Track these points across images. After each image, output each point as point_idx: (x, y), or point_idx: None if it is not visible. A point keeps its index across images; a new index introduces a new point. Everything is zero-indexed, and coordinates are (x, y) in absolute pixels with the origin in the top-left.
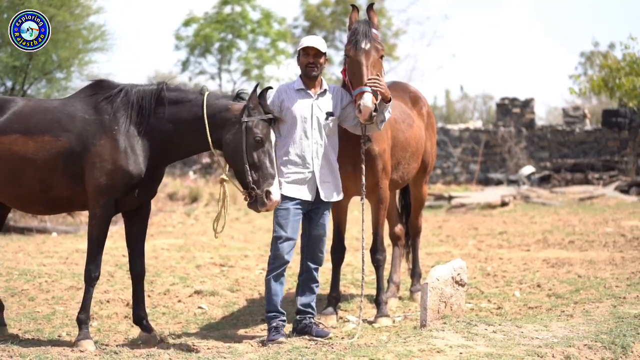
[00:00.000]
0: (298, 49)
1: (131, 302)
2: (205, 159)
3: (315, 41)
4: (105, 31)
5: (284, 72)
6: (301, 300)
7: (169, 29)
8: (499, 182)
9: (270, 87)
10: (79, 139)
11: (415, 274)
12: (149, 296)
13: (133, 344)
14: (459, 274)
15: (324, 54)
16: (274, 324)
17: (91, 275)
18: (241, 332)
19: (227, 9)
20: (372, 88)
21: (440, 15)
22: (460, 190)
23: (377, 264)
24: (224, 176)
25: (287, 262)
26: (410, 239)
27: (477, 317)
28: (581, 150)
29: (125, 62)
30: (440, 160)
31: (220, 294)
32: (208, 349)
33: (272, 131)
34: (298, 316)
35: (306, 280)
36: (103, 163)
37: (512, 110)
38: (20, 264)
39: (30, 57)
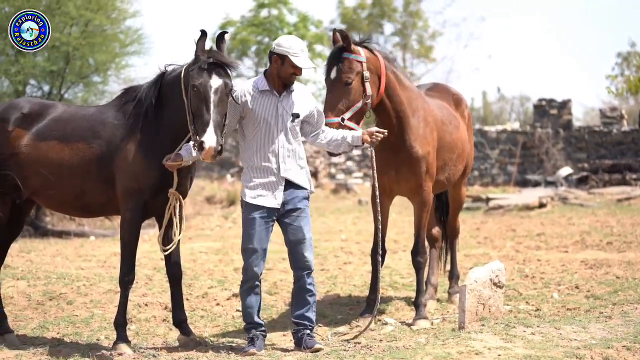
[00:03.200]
0: (286, 55)
1: (169, 305)
2: None
3: (310, 61)
4: (141, 35)
5: (321, 74)
6: (295, 312)
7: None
8: (536, 184)
9: (226, 32)
10: (109, 144)
11: (453, 275)
12: (187, 299)
13: (171, 347)
14: (497, 276)
15: None
16: (251, 335)
17: (125, 279)
18: (279, 335)
19: (264, 12)
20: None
21: (476, 16)
22: (498, 192)
23: (418, 267)
24: (173, 189)
25: (258, 275)
26: (447, 241)
27: (516, 319)
28: (619, 151)
29: (162, 66)
30: (478, 162)
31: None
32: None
33: (214, 76)
34: (294, 329)
35: (298, 291)
36: (129, 166)
37: (549, 112)
38: (58, 268)
39: (67, 61)
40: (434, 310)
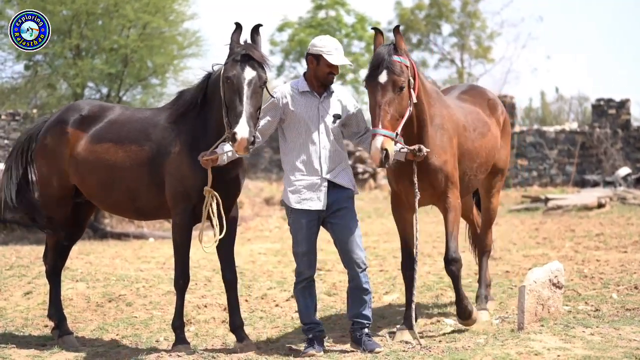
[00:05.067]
0: (320, 54)
1: None
2: None
3: (345, 58)
4: (199, 37)
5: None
6: (351, 312)
7: (264, 34)
8: (595, 184)
9: (261, 25)
10: (159, 147)
11: (480, 293)
12: (246, 300)
13: (230, 348)
14: (556, 277)
15: None
16: (310, 336)
17: (180, 282)
18: (339, 336)
19: (322, 14)
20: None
21: (534, 16)
22: (557, 192)
23: (453, 275)
24: (207, 187)
25: (311, 275)
26: (477, 256)
27: (575, 320)
28: None
29: (209, 67)
30: (536, 163)
31: (317, 297)
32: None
33: (247, 68)
34: (350, 327)
35: (353, 290)
36: (176, 169)
37: (608, 112)
38: (117, 270)
39: (125, 63)
40: (493, 312)
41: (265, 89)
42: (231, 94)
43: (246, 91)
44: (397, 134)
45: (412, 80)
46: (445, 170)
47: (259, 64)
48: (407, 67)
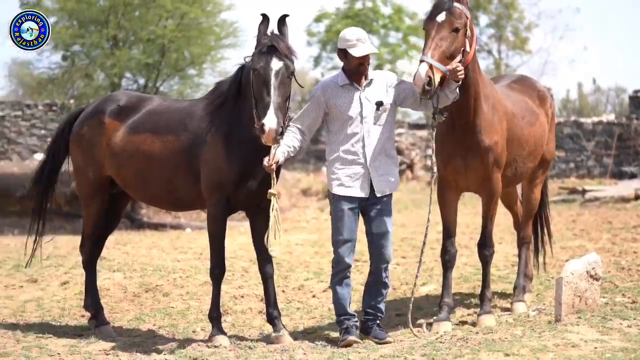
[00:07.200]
0: (346, 48)
1: None
2: None
3: (369, 47)
4: (237, 28)
5: (416, 66)
6: (367, 302)
7: (301, 25)
8: (632, 176)
9: (287, 15)
10: (196, 137)
11: (518, 285)
12: (283, 291)
13: (267, 339)
14: (593, 268)
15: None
16: (344, 326)
17: (215, 272)
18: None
19: (359, 4)
20: (433, 60)
21: (571, 8)
22: (594, 184)
23: (484, 260)
24: (272, 190)
25: (349, 265)
26: (522, 244)
27: (612, 312)
28: None
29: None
30: (574, 154)
31: (354, 288)
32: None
33: (274, 59)
34: (363, 317)
35: (373, 284)
36: (212, 161)
37: None
38: (154, 260)
39: (162, 54)
40: (530, 303)
41: (294, 79)
42: (259, 85)
43: (273, 82)
44: (447, 71)
45: (469, 31)
46: (496, 151)
47: (285, 55)
48: (466, 17)
